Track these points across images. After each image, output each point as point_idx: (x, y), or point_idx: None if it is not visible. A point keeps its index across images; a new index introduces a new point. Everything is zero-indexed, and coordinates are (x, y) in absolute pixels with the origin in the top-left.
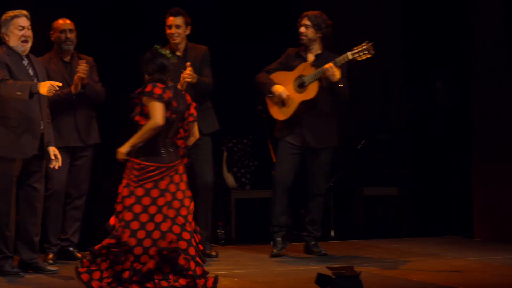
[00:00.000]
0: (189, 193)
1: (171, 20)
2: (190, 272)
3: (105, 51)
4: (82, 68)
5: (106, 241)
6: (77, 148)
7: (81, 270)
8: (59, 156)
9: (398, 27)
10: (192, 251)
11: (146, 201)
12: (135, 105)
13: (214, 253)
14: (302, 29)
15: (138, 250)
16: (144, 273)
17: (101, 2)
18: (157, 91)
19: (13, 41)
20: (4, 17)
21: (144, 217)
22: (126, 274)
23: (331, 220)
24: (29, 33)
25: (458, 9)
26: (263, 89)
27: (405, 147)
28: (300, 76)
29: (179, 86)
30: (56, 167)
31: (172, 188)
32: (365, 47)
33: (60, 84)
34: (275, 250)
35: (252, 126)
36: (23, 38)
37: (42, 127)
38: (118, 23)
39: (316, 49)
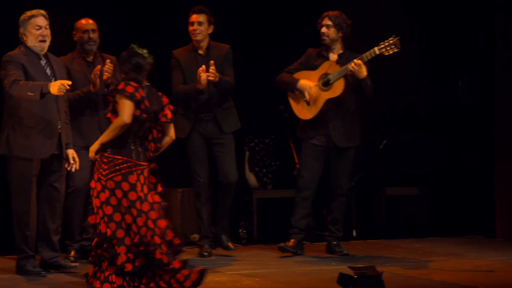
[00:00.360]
0: (157, 198)
1: (194, 17)
2: (171, 266)
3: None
4: (107, 67)
5: (95, 242)
6: None
7: (91, 280)
8: (77, 159)
9: (419, 25)
10: (164, 247)
11: (118, 193)
12: (109, 103)
13: (232, 246)
14: (324, 30)
15: (127, 240)
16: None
17: (121, 1)
18: (129, 89)
19: (31, 41)
20: (22, 17)
21: (121, 209)
22: (129, 266)
23: (353, 220)
24: (46, 32)
25: (480, 9)
26: (288, 87)
27: (427, 146)
28: (325, 74)
29: (198, 85)
30: (73, 169)
31: (139, 186)
32: (392, 41)
33: (70, 83)
34: (284, 244)
35: (274, 126)
36: (40, 38)
37: (59, 127)
38: (140, 21)
39: (338, 48)
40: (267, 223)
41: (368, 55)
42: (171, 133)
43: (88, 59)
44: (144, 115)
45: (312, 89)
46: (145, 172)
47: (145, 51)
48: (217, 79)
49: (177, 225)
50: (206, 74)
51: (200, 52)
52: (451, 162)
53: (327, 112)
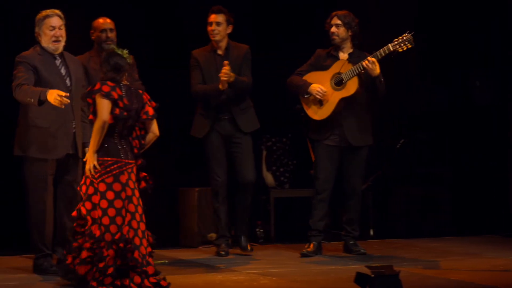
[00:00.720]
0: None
1: (212, 17)
2: (144, 269)
3: (144, 50)
4: None
5: (81, 242)
6: None
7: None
8: None
9: (435, 24)
10: (142, 249)
11: (110, 195)
12: (89, 105)
13: (249, 248)
14: (334, 29)
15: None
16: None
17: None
18: (105, 88)
19: (45, 41)
20: (38, 16)
21: (111, 212)
22: (110, 270)
23: (370, 219)
24: (60, 33)
25: (497, 7)
26: (299, 91)
27: (444, 146)
28: (337, 74)
29: (220, 86)
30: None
31: (131, 184)
32: (405, 37)
33: (67, 94)
34: (306, 250)
35: (291, 125)
36: (54, 38)
37: (74, 126)
38: (157, 20)
39: (348, 48)
40: (284, 222)
41: (382, 52)
42: (154, 129)
43: None
44: (125, 113)
45: (324, 89)
46: (135, 170)
47: (125, 51)
48: (232, 79)
49: (194, 224)
50: (220, 74)
51: (219, 52)
52: (468, 161)
53: (341, 111)
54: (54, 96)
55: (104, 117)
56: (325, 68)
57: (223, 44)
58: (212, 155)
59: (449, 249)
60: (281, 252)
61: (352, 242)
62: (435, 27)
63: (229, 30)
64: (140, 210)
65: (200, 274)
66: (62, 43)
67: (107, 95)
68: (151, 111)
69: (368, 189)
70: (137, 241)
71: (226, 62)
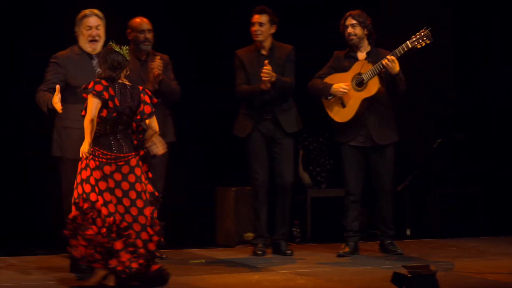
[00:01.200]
0: (149, 188)
1: (255, 18)
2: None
3: (182, 50)
4: (157, 64)
5: (71, 215)
6: None
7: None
8: None
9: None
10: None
11: (96, 174)
12: (84, 101)
13: (289, 252)
14: (350, 29)
15: (98, 222)
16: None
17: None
18: (98, 88)
19: (82, 41)
20: (78, 16)
21: (96, 190)
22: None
23: (407, 219)
24: (97, 32)
25: None
26: (321, 94)
27: (481, 146)
28: (358, 74)
29: (262, 86)
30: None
31: (118, 177)
32: (423, 33)
33: (59, 108)
34: (343, 251)
35: (328, 125)
36: (90, 38)
37: None
38: (193, 19)
39: (365, 47)
40: (320, 221)
41: (400, 49)
42: (153, 126)
43: (141, 58)
44: (114, 114)
45: (346, 88)
46: (133, 161)
47: (124, 48)
48: (273, 78)
49: (231, 224)
50: (261, 74)
51: (263, 52)
52: (505, 161)
53: (364, 111)
54: (55, 105)
55: (91, 115)
56: (344, 69)
57: (267, 44)
58: (253, 155)
59: (486, 249)
60: (317, 252)
61: (388, 241)
62: (470, 27)
63: (273, 30)
64: (139, 202)
65: (237, 273)
66: (100, 43)
67: (98, 95)
68: (147, 109)
69: (405, 189)
70: (137, 227)
71: (266, 61)
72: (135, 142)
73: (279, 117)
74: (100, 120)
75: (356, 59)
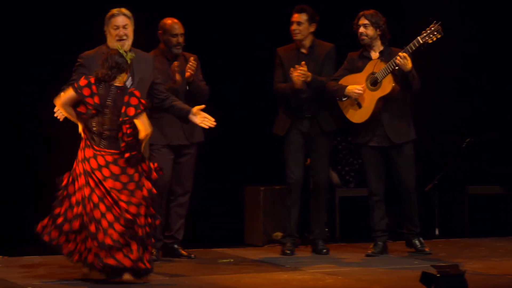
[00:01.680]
0: (131, 186)
1: (294, 17)
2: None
3: (209, 49)
4: (191, 65)
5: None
6: (181, 146)
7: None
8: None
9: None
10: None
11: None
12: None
13: (325, 251)
14: (362, 29)
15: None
16: None
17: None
18: (82, 82)
19: (110, 40)
20: (107, 15)
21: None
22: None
23: (435, 218)
24: (124, 32)
25: None
26: (336, 95)
27: (510, 145)
28: (371, 74)
29: (297, 86)
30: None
31: (91, 163)
32: (433, 28)
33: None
34: (372, 251)
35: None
36: (117, 38)
37: None
38: (223, 19)
39: (378, 46)
40: (349, 221)
41: (412, 46)
42: (140, 127)
43: (170, 59)
44: (93, 111)
45: (361, 88)
46: (108, 158)
47: (129, 54)
48: (309, 78)
49: (260, 223)
50: (295, 74)
51: (303, 50)
52: None
53: (380, 111)
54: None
55: (60, 101)
56: (359, 70)
57: (307, 42)
58: (289, 153)
59: None
60: (346, 251)
61: (416, 239)
62: (502, 25)
63: (312, 29)
64: (107, 201)
65: (266, 273)
66: (127, 42)
67: (76, 89)
68: (129, 111)
69: (433, 188)
70: (92, 228)
71: (303, 62)
72: (122, 144)
73: (317, 115)
74: (85, 117)
75: (370, 59)
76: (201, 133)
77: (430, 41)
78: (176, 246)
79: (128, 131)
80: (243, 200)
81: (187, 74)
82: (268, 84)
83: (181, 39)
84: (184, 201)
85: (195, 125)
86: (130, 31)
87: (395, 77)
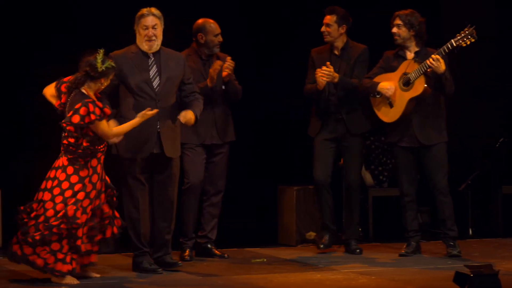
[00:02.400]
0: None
1: (325, 18)
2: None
3: (240, 49)
4: (228, 64)
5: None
6: (214, 144)
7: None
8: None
9: None
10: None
11: None
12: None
13: (358, 251)
14: (395, 29)
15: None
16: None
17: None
18: (66, 79)
19: (139, 40)
20: (137, 14)
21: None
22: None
23: (469, 218)
24: (153, 32)
25: None
26: (369, 92)
27: None
28: (404, 74)
29: (319, 87)
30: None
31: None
32: (467, 32)
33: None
34: (405, 251)
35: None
36: (146, 38)
37: (158, 126)
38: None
39: (413, 47)
40: (382, 221)
41: (445, 48)
42: (99, 134)
43: (203, 58)
44: (59, 108)
45: (393, 88)
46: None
47: (108, 62)
48: (335, 79)
49: (293, 223)
50: (319, 74)
51: (335, 52)
52: None
53: (411, 111)
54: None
55: (45, 89)
56: (393, 69)
57: (339, 44)
58: (316, 155)
59: None
60: (379, 251)
61: (450, 242)
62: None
63: (342, 30)
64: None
65: (299, 272)
66: (156, 42)
67: (58, 83)
68: (74, 118)
69: (467, 188)
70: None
71: (328, 63)
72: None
73: (345, 117)
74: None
75: (405, 59)
76: (233, 133)
77: (464, 45)
78: (209, 245)
79: (65, 134)
80: (277, 200)
81: (225, 73)
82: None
83: (221, 39)
84: (217, 201)
85: (227, 125)
86: (159, 31)
87: (428, 79)
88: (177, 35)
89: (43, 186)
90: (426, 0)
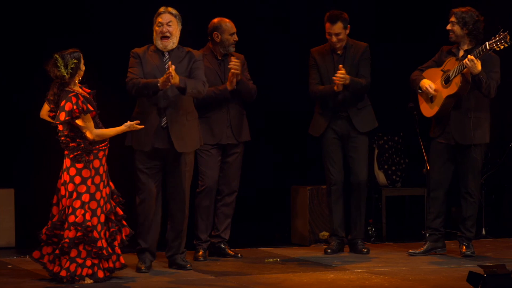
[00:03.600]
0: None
1: (331, 28)
2: None
3: (255, 49)
4: (234, 64)
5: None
6: (229, 145)
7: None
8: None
9: None
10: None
11: None
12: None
13: (365, 250)
14: (449, 27)
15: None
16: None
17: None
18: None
19: (154, 38)
20: (156, 14)
21: None
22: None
23: (482, 218)
24: (167, 29)
25: None
26: (413, 86)
27: None
28: (446, 71)
29: (335, 88)
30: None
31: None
32: (502, 36)
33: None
34: (420, 250)
35: (404, 123)
36: (160, 35)
37: (165, 122)
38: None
39: (467, 44)
40: (396, 220)
41: (480, 50)
42: (81, 127)
43: (219, 57)
44: (52, 106)
45: (433, 86)
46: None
47: (70, 61)
48: (347, 81)
49: (306, 223)
50: (336, 79)
51: (338, 51)
52: None
53: (449, 109)
54: (162, 81)
55: (41, 113)
56: (441, 65)
57: (342, 43)
58: (327, 154)
59: None
60: (392, 251)
61: (465, 243)
62: None
63: (348, 31)
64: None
65: (312, 272)
66: (172, 40)
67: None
68: (61, 115)
69: (480, 187)
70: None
71: (340, 66)
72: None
73: (352, 116)
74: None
75: (455, 56)
76: (248, 133)
77: (498, 49)
78: (223, 245)
79: (59, 134)
80: (290, 200)
81: (230, 73)
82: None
83: (236, 38)
84: (231, 201)
85: (242, 124)
86: (174, 28)
87: (464, 78)
88: (194, 34)
89: (63, 191)
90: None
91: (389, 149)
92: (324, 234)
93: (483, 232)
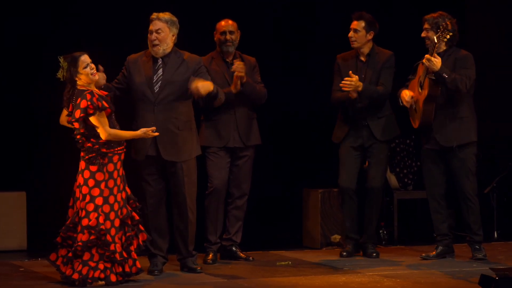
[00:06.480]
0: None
1: (352, 24)
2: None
3: (269, 52)
4: (237, 66)
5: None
6: (238, 148)
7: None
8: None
9: None
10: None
11: None
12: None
13: (374, 254)
14: (423, 34)
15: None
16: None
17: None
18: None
19: (148, 45)
20: None
21: None
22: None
23: (494, 220)
24: (156, 36)
25: None
26: (398, 101)
27: None
28: (419, 78)
29: (349, 94)
30: None
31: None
32: (444, 26)
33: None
34: (432, 253)
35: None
36: (150, 43)
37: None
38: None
39: (443, 48)
40: (407, 223)
41: (432, 46)
42: (96, 125)
43: (227, 60)
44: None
45: (409, 95)
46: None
47: (63, 69)
48: (359, 88)
49: (318, 226)
50: (342, 86)
51: (361, 58)
52: None
53: (431, 115)
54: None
55: (60, 120)
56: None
57: (365, 50)
58: (342, 161)
59: None
60: (404, 254)
61: (476, 246)
62: None
63: (370, 37)
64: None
65: (324, 275)
66: (161, 47)
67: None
68: (76, 113)
69: (492, 191)
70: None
71: (350, 72)
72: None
73: (371, 124)
74: None
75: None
76: (257, 136)
77: (445, 39)
78: (234, 248)
79: (75, 132)
80: (302, 203)
81: (236, 75)
82: (329, 88)
83: (229, 36)
84: (242, 204)
85: (250, 128)
86: (163, 36)
87: (432, 80)
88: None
89: (77, 194)
90: (450, 3)
91: (400, 152)
92: (336, 237)
93: (495, 235)
